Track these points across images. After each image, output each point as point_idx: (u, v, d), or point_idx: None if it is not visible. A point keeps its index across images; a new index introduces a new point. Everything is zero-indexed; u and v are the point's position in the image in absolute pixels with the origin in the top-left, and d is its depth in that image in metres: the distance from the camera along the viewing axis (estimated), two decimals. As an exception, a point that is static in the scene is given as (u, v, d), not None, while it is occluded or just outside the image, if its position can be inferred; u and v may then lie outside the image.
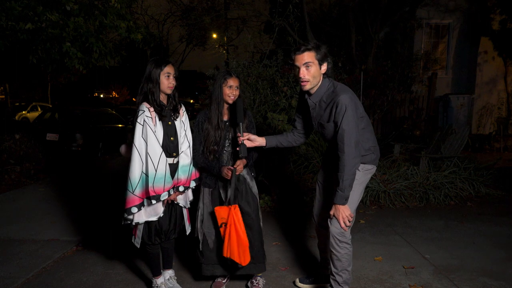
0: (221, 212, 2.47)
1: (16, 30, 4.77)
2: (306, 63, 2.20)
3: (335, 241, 2.30)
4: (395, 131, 8.33)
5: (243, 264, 2.48)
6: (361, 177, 2.34)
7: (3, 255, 3.29)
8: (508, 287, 2.77)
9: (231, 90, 2.50)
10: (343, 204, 2.22)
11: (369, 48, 9.24)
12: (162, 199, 2.34)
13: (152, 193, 2.30)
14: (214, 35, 18.15)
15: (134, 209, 2.31)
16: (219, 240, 2.54)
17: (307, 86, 2.26)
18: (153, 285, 2.63)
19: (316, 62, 2.21)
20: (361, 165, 2.32)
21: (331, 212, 2.27)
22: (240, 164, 2.48)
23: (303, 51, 2.20)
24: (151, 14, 20.59)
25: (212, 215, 2.58)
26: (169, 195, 2.38)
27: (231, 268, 2.61)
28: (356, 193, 2.32)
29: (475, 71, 11.30)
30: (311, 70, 2.21)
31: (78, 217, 4.29)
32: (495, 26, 10.70)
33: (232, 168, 2.47)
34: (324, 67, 2.25)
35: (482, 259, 3.23)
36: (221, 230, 2.48)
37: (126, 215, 2.34)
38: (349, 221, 2.25)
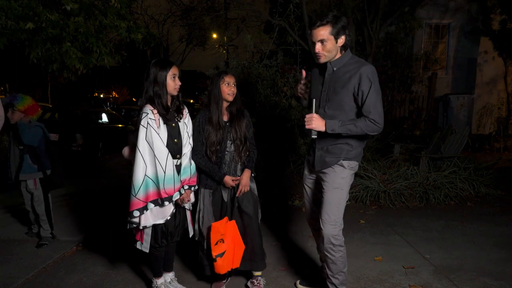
0: (220, 228, 2.48)
1: (16, 30, 4.77)
2: (321, 40, 2.22)
3: (329, 245, 2.30)
4: (395, 131, 8.32)
5: (238, 266, 2.55)
6: (347, 175, 2.34)
7: (3, 255, 3.29)
8: (508, 287, 2.77)
9: (229, 88, 2.52)
10: (328, 127, 2.21)
11: (369, 48, 9.22)
12: (174, 199, 2.34)
13: (164, 195, 2.29)
14: (214, 35, 18.13)
15: (136, 213, 2.28)
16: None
17: (321, 59, 2.29)
18: (153, 285, 2.63)
19: (332, 37, 2.22)
20: (347, 162, 2.31)
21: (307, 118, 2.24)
22: (244, 183, 2.53)
23: (318, 27, 2.21)
24: (151, 14, 20.54)
25: (214, 216, 2.60)
26: (181, 194, 2.39)
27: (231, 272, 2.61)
28: (344, 193, 2.34)
29: (475, 71, 11.29)
30: (326, 45, 2.24)
31: (78, 217, 4.29)
32: (495, 26, 10.70)
33: (236, 180, 2.51)
34: (342, 40, 2.24)
35: (482, 259, 3.23)
36: (215, 247, 2.45)
37: (129, 218, 2.32)
38: (308, 123, 2.22)
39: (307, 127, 2.23)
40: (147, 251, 2.44)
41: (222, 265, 2.46)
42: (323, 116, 2.31)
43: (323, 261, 2.74)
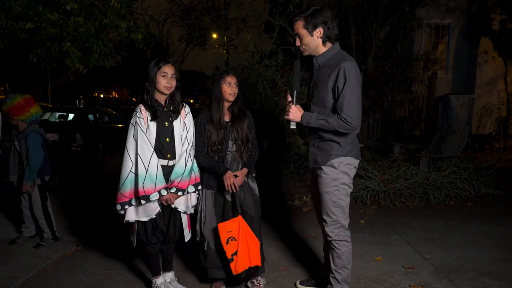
0: (227, 226, 2.43)
1: (16, 30, 4.77)
2: (297, 34, 2.28)
3: (333, 240, 2.33)
4: (395, 131, 8.33)
5: (260, 264, 2.51)
6: (341, 176, 2.28)
7: (3, 255, 3.28)
8: (508, 287, 2.77)
9: (230, 88, 2.52)
10: (304, 118, 2.25)
11: (369, 48, 9.22)
12: (152, 199, 2.31)
13: (141, 193, 2.29)
14: (214, 35, 18.15)
15: (118, 206, 2.36)
16: (221, 246, 2.50)
17: (304, 53, 2.33)
18: (152, 285, 2.63)
19: (305, 31, 2.25)
20: (338, 160, 2.25)
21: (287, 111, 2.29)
22: (240, 178, 2.51)
23: (294, 22, 2.29)
24: (151, 14, 20.60)
25: (215, 217, 2.58)
26: (161, 195, 2.34)
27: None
28: (340, 193, 2.30)
29: (475, 71, 11.28)
30: (303, 39, 2.28)
31: (78, 217, 4.29)
32: (495, 26, 10.69)
33: (237, 181, 2.48)
34: (318, 33, 2.24)
35: (482, 259, 3.23)
36: (228, 247, 2.40)
37: (114, 211, 2.40)
38: (286, 113, 2.28)
39: (285, 117, 2.29)
40: (134, 244, 2.49)
41: (240, 263, 2.40)
42: (311, 112, 2.33)
43: (325, 259, 2.74)
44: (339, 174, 2.28)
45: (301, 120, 2.26)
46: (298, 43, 2.30)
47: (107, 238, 3.68)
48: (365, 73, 8.02)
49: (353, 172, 2.36)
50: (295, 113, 2.26)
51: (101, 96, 34.02)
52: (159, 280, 2.61)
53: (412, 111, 10.03)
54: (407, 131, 8.71)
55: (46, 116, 9.59)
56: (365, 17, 9.02)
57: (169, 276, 2.69)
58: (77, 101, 17.73)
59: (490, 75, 11.29)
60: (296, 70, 2.35)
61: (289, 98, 2.35)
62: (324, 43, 2.28)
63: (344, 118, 2.13)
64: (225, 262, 2.50)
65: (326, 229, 2.33)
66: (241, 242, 2.41)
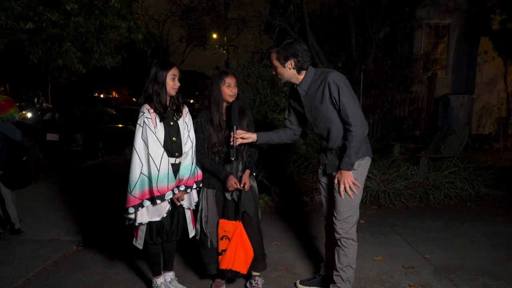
0: (225, 225, 2.52)
1: (16, 30, 4.77)
2: (272, 64, 2.39)
3: (342, 237, 2.36)
4: (395, 131, 8.33)
5: (245, 272, 2.54)
6: (358, 175, 2.35)
7: (3, 255, 3.29)
8: (508, 287, 2.77)
9: (230, 89, 2.50)
10: (348, 170, 2.27)
11: (369, 48, 9.22)
12: (167, 198, 2.35)
13: (156, 193, 2.30)
14: (214, 35, 18.15)
15: (131, 209, 2.32)
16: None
17: (281, 81, 2.48)
18: (153, 285, 2.63)
19: (278, 63, 2.35)
20: (357, 162, 2.32)
21: (335, 179, 2.32)
22: (246, 181, 2.51)
23: (269, 53, 2.39)
24: (151, 14, 20.62)
25: (217, 216, 2.60)
26: (173, 194, 2.39)
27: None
28: (357, 194, 2.34)
29: (475, 71, 11.29)
30: (277, 70, 2.39)
31: (78, 217, 4.29)
32: (495, 26, 10.68)
33: (239, 184, 2.49)
34: (290, 65, 2.33)
35: (482, 259, 3.23)
36: (221, 242, 2.52)
37: (125, 215, 2.36)
38: (351, 189, 2.28)
39: (347, 191, 2.29)
40: (141, 247, 2.47)
41: (224, 262, 2.49)
42: (319, 130, 2.43)
43: (327, 258, 2.74)
44: (357, 175, 2.35)
45: (348, 170, 2.27)
46: (274, 72, 2.42)
47: (107, 238, 3.68)
48: (365, 73, 8.01)
49: (367, 171, 2.46)
50: (347, 177, 2.28)
51: (101, 96, 34.04)
52: (159, 280, 2.61)
53: (412, 111, 10.04)
54: (407, 131, 8.71)
55: (47, 116, 9.61)
56: (365, 17, 9.03)
57: (169, 275, 2.70)
58: (35, 99, 17.14)
59: (490, 75, 11.29)
60: (234, 108, 2.46)
61: (232, 135, 2.41)
62: (298, 72, 2.36)
63: (355, 128, 2.21)
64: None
65: (337, 226, 2.36)
66: (231, 244, 2.48)
